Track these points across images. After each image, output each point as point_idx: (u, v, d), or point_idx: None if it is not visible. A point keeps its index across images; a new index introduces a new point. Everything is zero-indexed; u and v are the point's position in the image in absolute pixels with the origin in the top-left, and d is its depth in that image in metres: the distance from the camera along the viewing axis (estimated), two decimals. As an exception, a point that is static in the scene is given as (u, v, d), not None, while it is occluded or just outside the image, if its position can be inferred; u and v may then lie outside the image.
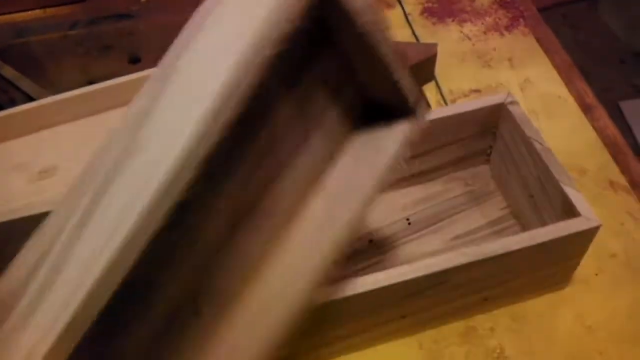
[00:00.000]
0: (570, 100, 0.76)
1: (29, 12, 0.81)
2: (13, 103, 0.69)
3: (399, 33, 0.84)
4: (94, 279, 0.31)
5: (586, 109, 0.75)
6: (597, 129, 0.73)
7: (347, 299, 0.47)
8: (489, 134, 0.64)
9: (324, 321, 0.49)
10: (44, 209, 0.49)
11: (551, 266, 0.54)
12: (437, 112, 0.61)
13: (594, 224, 0.50)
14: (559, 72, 0.80)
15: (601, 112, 0.75)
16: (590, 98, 0.76)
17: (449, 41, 0.84)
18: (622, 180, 0.68)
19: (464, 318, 0.57)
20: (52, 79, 0.76)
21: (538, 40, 0.84)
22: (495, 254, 0.48)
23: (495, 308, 0.57)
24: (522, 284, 0.54)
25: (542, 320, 0.57)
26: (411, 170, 0.64)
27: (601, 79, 0.79)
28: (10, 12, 0.80)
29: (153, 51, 0.78)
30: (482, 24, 0.86)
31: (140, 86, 0.68)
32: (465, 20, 0.87)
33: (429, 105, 0.70)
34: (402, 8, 0.89)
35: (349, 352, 0.55)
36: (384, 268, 0.48)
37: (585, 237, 0.51)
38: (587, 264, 0.58)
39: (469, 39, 0.85)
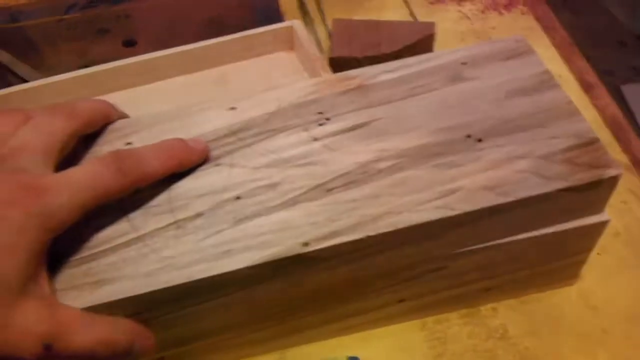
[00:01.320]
0: (571, 79, 0.76)
1: (24, -4, 0.80)
2: (9, 88, 0.68)
3: (396, 13, 0.83)
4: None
5: (587, 87, 0.75)
6: (598, 108, 0.72)
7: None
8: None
9: (317, 300, 0.49)
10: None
11: (558, 260, 0.53)
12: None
13: (603, 218, 0.50)
14: (559, 51, 0.79)
15: (602, 91, 0.74)
16: (591, 76, 0.75)
17: (447, 20, 0.83)
18: (624, 158, 0.67)
19: (466, 307, 0.57)
20: (49, 63, 0.75)
21: (537, 19, 0.83)
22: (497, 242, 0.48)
23: (497, 300, 0.57)
24: (527, 277, 0.54)
25: (546, 300, 0.57)
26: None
27: (602, 62, 0.78)
28: (4, -3, 0.80)
29: (149, 34, 0.77)
30: (481, 2, 0.85)
31: (136, 70, 0.68)
32: (463, -1, 0.86)
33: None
34: (400, -13, 0.87)
35: (346, 333, 0.55)
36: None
37: (595, 231, 0.51)
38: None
39: (468, 18, 0.84)
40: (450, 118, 0.49)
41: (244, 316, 0.48)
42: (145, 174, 0.43)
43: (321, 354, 0.54)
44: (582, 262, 0.55)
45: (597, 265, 0.58)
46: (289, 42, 0.74)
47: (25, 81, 0.71)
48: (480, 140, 0.47)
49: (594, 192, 0.46)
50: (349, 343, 0.55)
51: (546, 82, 0.51)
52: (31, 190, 0.36)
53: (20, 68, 0.73)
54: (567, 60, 0.77)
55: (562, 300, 0.57)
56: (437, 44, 0.76)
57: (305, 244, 0.42)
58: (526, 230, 0.48)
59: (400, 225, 0.42)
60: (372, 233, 0.42)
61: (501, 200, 0.43)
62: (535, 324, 0.55)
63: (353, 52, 0.69)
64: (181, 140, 0.46)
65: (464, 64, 0.53)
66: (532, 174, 0.45)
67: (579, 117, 0.48)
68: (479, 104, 0.49)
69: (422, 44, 0.72)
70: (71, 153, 0.45)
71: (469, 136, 0.47)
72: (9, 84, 0.69)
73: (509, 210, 0.44)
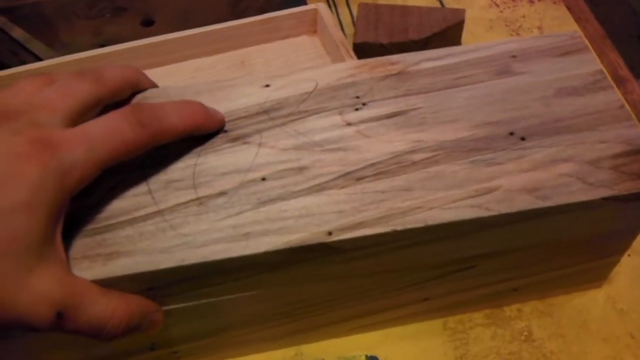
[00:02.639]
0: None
1: (39, -28, 0.78)
2: (23, 65, 0.66)
3: (423, -2, 0.81)
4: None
5: (619, 81, 0.72)
6: (630, 103, 0.70)
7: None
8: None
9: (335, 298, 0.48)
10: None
11: (589, 262, 0.51)
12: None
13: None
14: (591, 43, 0.76)
15: (634, 85, 0.72)
16: (624, 70, 0.73)
17: (476, 7, 0.81)
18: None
19: (490, 307, 0.55)
20: (64, 41, 0.73)
21: (569, 8, 0.80)
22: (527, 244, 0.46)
23: (522, 301, 0.55)
24: (555, 278, 0.52)
25: (572, 303, 0.55)
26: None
27: (621, 55, 0.76)
28: (19, -29, 0.78)
29: (167, 14, 0.75)
30: (511, -10, 0.83)
31: (152, 51, 0.66)
32: (492, -14, 0.83)
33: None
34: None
35: (366, 330, 0.54)
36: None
37: (630, 233, 0.49)
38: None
39: (497, 5, 0.81)
40: (493, 113, 0.46)
41: (260, 308, 0.46)
42: (165, 129, 0.41)
43: (339, 351, 0.53)
44: (613, 265, 0.53)
45: (626, 267, 0.57)
46: (312, 25, 0.72)
47: (39, 59, 0.69)
48: (523, 139, 0.45)
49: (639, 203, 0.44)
50: (368, 341, 0.53)
51: (599, 82, 0.48)
52: (47, 144, 0.35)
53: (34, 45, 0.71)
54: (599, 53, 0.75)
55: (589, 302, 0.55)
56: (465, 32, 0.73)
57: (329, 233, 0.40)
58: (563, 235, 0.46)
59: (430, 222, 0.41)
60: (399, 227, 0.40)
61: (540, 204, 0.41)
62: (560, 327, 0.54)
63: (379, 38, 0.67)
64: (201, 103, 0.45)
65: (513, 57, 0.50)
66: (576, 179, 0.43)
67: (630, 122, 0.46)
68: (526, 101, 0.47)
69: (451, 31, 0.69)
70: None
71: (511, 133, 0.45)
72: (23, 62, 0.67)
73: (548, 215, 0.42)
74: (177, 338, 0.47)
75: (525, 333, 0.53)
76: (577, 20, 0.79)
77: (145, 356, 0.48)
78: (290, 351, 0.53)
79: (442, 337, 0.53)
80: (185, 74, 0.69)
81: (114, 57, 0.67)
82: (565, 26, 0.78)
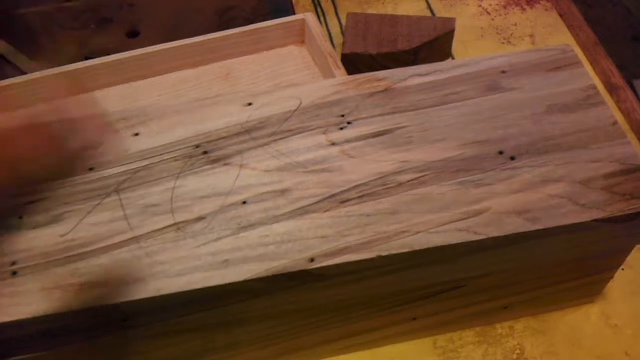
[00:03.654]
0: (596, 80, 0.72)
1: (24, -18, 0.77)
2: (7, 80, 0.65)
3: (413, 7, 0.80)
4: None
5: (612, 89, 0.71)
6: (623, 111, 0.69)
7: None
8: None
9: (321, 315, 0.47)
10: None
11: (582, 278, 0.51)
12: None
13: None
14: (583, 51, 0.75)
15: (628, 94, 0.70)
16: (617, 78, 0.72)
17: (467, 16, 0.80)
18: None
19: (481, 325, 0.54)
20: (48, 53, 0.72)
21: (561, 16, 0.79)
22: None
23: (514, 318, 0.54)
24: (548, 295, 0.51)
25: (565, 319, 0.54)
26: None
27: (615, 57, 0.75)
28: (4, -18, 0.76)
29: (154, 25, 0.74)
30: (502, -3, 0.82)
31: (138, 64, 0.65)
32: (484, -6, 0.82)
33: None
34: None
35: (352, 351, 0.52)
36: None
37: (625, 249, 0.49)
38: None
39: (488, 13, 0.80)
40: (482, 131, 0.46)
41: (241, 333, 0.45)
42: None
43: (325, 372, 0.52)
44: (606, 281, 0.52)
45: (620, 281, 0.56)
46: (300, 35, 0.71)
47: (23, 73, 0.68)
48: (513, 159, 0.44)
49: (633, 224, 0.43)
50: None
51: (592, 98, 0.47)
52: None
53: (18, 59, 0.70)
54: (592, 60, 0.74)
55: (583, 319, 0.54)
56: (456, 40, 0.72)
57: (312, 260, 0.39)
58: (554, 257, 0.45)
59: (417, 247, 0.40)
60: (384, 253, 0.39)
61: (530, 227, 0.40)
62: (553, 345, 0.53)
63: (368, 49, 0.66)
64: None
65: (503, 72, 0.49)
66: (567, 200, 0.42)
67: (624, 140, 0.45)
68: (516, 118, 0.46)
69: (442, 41, 0.68)
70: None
71: (501, 153, 0.44)
72: (6, 76, 0.66)
73: (539, 238, 0.41)
74: None
75: (518, 351, 0.52)
76: (570, 27, 0.78)
77: None
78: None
79: (432, 356, 0.52)
80: (169, 87, 0.67)
81: (98, 70, 0.66)
82: (557, 34, 0.77)
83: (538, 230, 0.40)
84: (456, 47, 0.74)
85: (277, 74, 0.69)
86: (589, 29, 0.77)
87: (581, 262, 0.47)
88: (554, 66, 0.50)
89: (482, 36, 0.77)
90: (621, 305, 0.55)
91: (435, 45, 0.68)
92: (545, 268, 0.47)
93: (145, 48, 0.67)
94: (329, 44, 0.67)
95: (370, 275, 0.41)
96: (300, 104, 0.48)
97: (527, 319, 0.54)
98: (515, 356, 0.52)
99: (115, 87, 0.67)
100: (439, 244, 0.40)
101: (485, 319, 0.53)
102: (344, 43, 0.68)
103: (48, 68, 0.65)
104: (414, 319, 0.49)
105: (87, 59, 0.67)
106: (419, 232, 0.40)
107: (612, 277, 0.52)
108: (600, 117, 0.46)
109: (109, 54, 0.67)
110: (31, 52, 0.71)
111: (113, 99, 0.46)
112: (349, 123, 0.46)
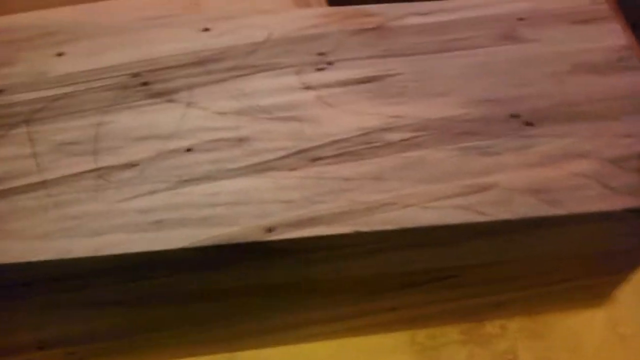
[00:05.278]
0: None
1: None
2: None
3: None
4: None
5: None
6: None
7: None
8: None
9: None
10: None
11: (592, 277, 0.47)
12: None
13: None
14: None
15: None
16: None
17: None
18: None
19: (468, 322, 0.50)
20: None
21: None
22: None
23: (507, 317, 0.50)
24: (549, 293, 0.47)
25: (567, 323, 0.51)
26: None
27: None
28: None
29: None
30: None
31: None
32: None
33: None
34: None
35: (315, 340, 0.48)
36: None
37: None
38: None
39: None
40: (493, 88, 0.42)
41: (172, 313, 0.41)
42: None
43: (280, 361, 0.48)
44: (618, 282, 0.48)
45: (633, 285, 0.51)
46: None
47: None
48: (529, 124, 0.40)
49: None
50: (318, 352, 0.48)
51: (625, 60, 0.44)
52: None
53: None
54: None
55: (586, 323, 0.50)
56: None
57: (269, 230, 0.34)
58: (569, 248, 0.41)
59: (405, 224, 0.35)
60: (363, 229, 0.35)
61: (549, 210, 0.36)
62: (550, 350, 0.49)
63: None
64: None
65: (520, 19, 0.45)
66: (595, 181, 0.37)
67: None
68: (534, 76, 0.42)
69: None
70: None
71: (515, 116, 0.40)
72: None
73: (558, 225, 0.37)
74: (71, 338, 0.41)
75: (510, 356, 0.48)
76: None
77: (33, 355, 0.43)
78: (222, 358, 0.47)
79: (408, 353, 0.48)
80: (129, 12, 0.61)
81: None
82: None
83: (558, 216, 0.36)
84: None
85: (249, 2, 0.63)
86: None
87: (595, 258, 0.43)
88: (581, 18, 0.47)
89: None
90: (632, 311, 0.51)
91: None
92: (553, 261, 0.42)
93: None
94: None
95: (343, 254, 0.37)
96: (270, 34, 0.43)
97: (522, 318, 0.50)
98: (505, 361, 0.49)
99: (68, 6, 0.61)
100: (433, 223, 0.35)
101: (473, 315, 0.49)
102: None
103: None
104: (393, 309, 0.45)
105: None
106: (408, 206, 0.36)
107: (625, 279, 0.48)
108: (635, 83, 0.43)
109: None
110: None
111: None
112: (328, 64, 0.42)
